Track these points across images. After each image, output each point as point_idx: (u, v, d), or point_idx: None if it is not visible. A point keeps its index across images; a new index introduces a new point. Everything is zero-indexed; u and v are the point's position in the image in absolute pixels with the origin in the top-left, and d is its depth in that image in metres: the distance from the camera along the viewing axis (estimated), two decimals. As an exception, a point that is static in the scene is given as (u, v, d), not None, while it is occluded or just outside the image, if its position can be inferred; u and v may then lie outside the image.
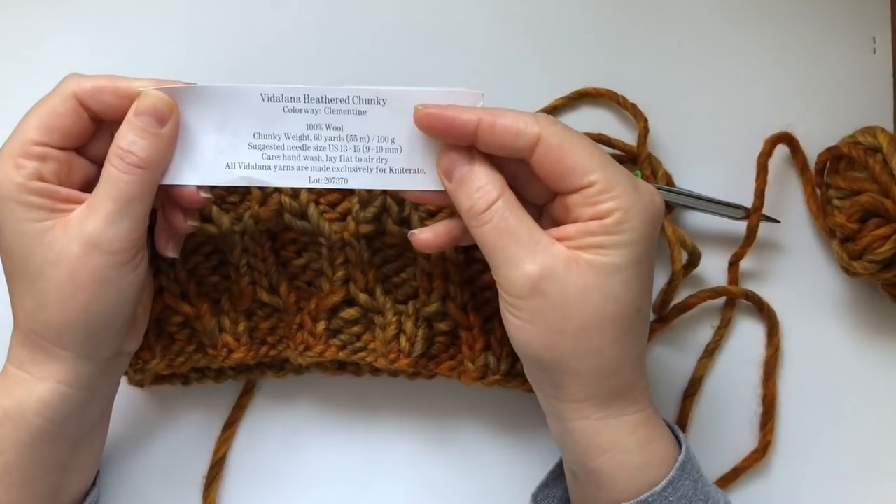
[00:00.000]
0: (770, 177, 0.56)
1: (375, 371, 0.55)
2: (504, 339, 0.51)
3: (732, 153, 0.57)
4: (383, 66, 0.58)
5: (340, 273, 0.51)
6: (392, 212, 0.51)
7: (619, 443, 0.43)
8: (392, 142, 0.45)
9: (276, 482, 0.56)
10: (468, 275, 0.52)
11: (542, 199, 0.45)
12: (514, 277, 0.42)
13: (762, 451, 0.55)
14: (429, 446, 0.56)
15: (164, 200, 0.47)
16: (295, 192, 0.50)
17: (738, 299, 0.56)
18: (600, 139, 0.56)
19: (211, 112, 0.44)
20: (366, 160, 0.45)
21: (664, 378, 0.56)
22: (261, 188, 0.50)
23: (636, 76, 0.58)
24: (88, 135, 0.44)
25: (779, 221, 0.56)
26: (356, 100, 0.44)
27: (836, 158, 0.54)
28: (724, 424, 0.56)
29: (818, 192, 0.57)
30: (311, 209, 0.50)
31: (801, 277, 0.57)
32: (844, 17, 0.58)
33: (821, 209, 0.56)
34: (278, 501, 0.56)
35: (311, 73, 0.58)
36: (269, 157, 0.45)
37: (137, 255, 0.44)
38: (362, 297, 0.52)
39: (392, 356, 0.51)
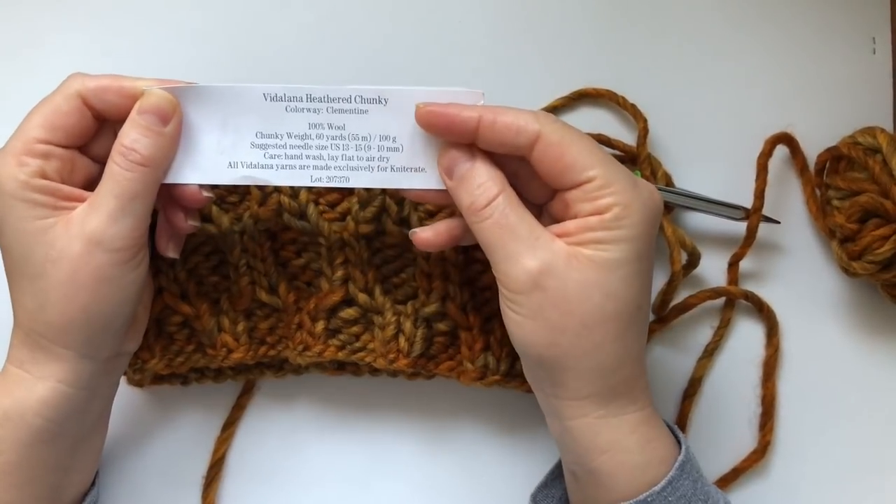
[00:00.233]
0: (770, 177, 0.56)
1: (375, 371, 0.55)
2: (503, 340, 0.51)
3: (732, 153, 0.57)
4: (384, 66, 0.58)
5: (340, 273, 0.51)
6: (391, 212, 0.51)
7: (620, 442, 0.43)
8: (393, 141, 0.45)
9: (276, 482, 0.56)
10: (468, 275, 0.52)
11: (542, 198, 0.46)
12: (514, 273, 0.42)
13: (762, 451, 0.55)
14: (428, 446, 0.56)
15: (165, 200, 0.47)
16: (294, 192, 0.50)
17: (738, 300, 0.56)
18: (600, 139, 0.56)
19: (213, 111, 0.44)
20: (367, 159, 0.45)
21: (664, 378, 0.56)
22: (260, 188, 0.50)
23: (636, 76, 0.58)
24: (91, 133, 0.44)
25: (778, 222, 0.56)
26: (358, 99, 0.44)
27: (835, 159, 0.54)
28: (724, 425, 0.56)
29: (818, 192, 0.57)
30: (311, 209, 0.50)
31: (801, 278, 0.57)
32: (844, 17, 0.58)
33: (820, 209, 0.56)
34: (277, 501, 0.56)
35: (312, 73, 0.58)
36: (272, 157, 0.45)
37: (139, 254, 0.44)
38: (361, 297, 0.52)
39: (391, 356, 0.51)
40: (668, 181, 0.56)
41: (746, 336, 0.57)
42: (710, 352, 0.56)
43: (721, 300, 0.57)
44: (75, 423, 0.45)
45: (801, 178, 0.57)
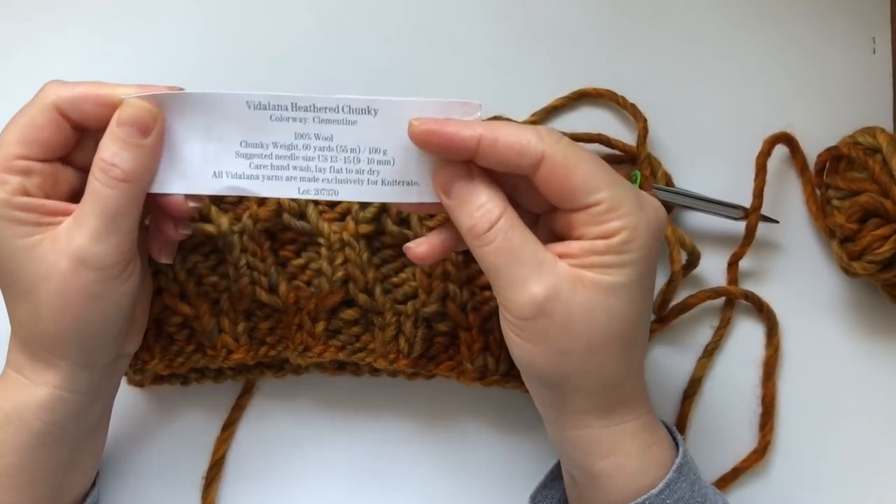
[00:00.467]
0: (769, 177, 0.56)
1: (375, 371, 0.55)
2: (503, 340, 0.51)
3: (732, 153, 0.57)
4: (383, 67, 0.58)
5: (339, 273, 0.51)
6: (391, 212, 0.51)
7: (621, 448, 0.43)
8: (384, 153, 0.43)
9: (276, 482, 0.56)
10: (467, 275, 0.52)
11: (541, 209, 0.45)
12: (519, 300, 0.41)
13: (761, 451, 0.55)
14: (428, 446, 0.56)
15: (154, 209, 0.46)
16: (294, 193, 0.50)
17: (738, 299, 0.56)
18: (600, 139, 0.56)
19: (197, 120, 0.43)
20: (357, 172, 0.43)
21: (664, 378, 0.56)
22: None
23: (636, 76, 0.57)
24: (71, 144, 0.43)
25: (778, 222, 0.56)
26: (346, 109, 0.42)
27: (835, 159, 0.54)
28: (724, 425, 0.56)
29: (818, 192, 0.57)
30: (310, 209, 0.50)
31: (801, 277, 0.57)
32: (844, 17, 0.58)
33: (820, 209, 0.56)
34: (277, 501, 0.56)
35: (310, 75, 0.58)
36: (257, 167, 0.43)
37: (128, 268, 0.43)
38: (361, 298, 0.52)
39: (391, 356, 0.51)
40: (668, 181, 0.56)
41: (746, 336, 0.57)
42: (710, 352, 0.56)
43: (721, 300, 0.56)
44: (76, 426, 0.45)
45: (801, 178, 0.57)
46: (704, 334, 0.57)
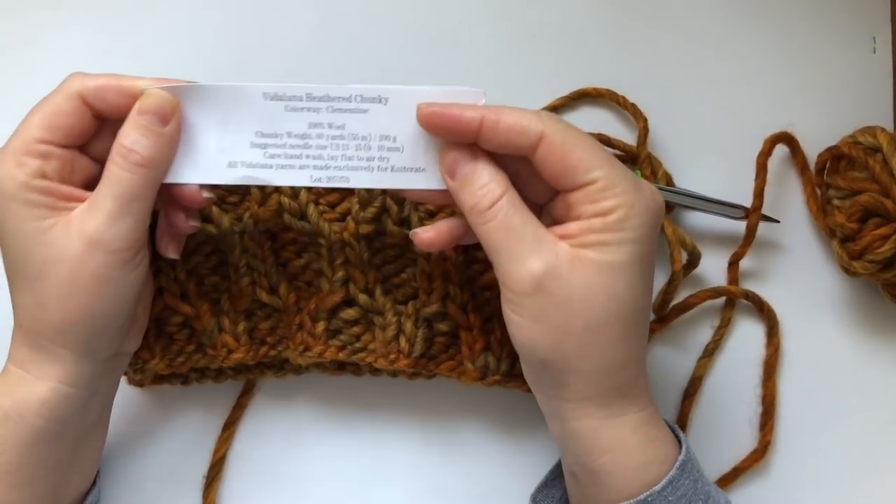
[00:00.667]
0: (770, 177, 0.56)
1: (375, 371, 0.55)
2: (504, 340, 0.51)
3: (732, 153, 0.57)
4: (384, 66, 0.58)
5: (340, 273, 0.51)
6: (392, 212, 0.51)
7: (622, 442, 0.43)
8: (394, 141, 0.44)
9: (276, 482, 0.56)
10: (468, 275, 0.52)
11: (543, 198, 0.45)
12: (517, 275, 0.42)
13: (762, 451, 0.55)
14: (428, 446, 0.56)
15: (165, 200, 0.47)
16: (294, 193, 0.50)
17: (738, 299, 0.56)
18: (600, 139, 0.56)
19: (213, 111, 0.44)
20: (367, 159, 0.45)
21: (664, 378, 0.56)
22: (260, 188, 0.50)
23: (636, 76, 0.58)
24: (91, 133, 0.44)
25: (778, 221, 0.56)
26: (358, 98, 0.44)
27: (835, 158, 0.54)
28: (724, 424, 0.56)
29: (818, 191, 0.57)
30: (311, 209, 0.50)
31: (801, 277, 0.57)
32: (844, 17, 0.58)
33: (821, 209, 0.56)
34: (278, 501, 0.56)
35: (312, 72, 0.58)
36: (271, 156, 0.45)
37: (138, 255, 0.44)
38: (362, 298, 0.52)
39: (392, 356, 0.51)
40: (668, 181, 0.56)
41: (746, 336, 0.57)
42: (711, 351, 0.56)
43: (721, 300, 0.57)
44: (76, 423, 0.45)
45: (802, 178, 0.57)
46: (705, 334, 0.57)
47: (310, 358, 0.52)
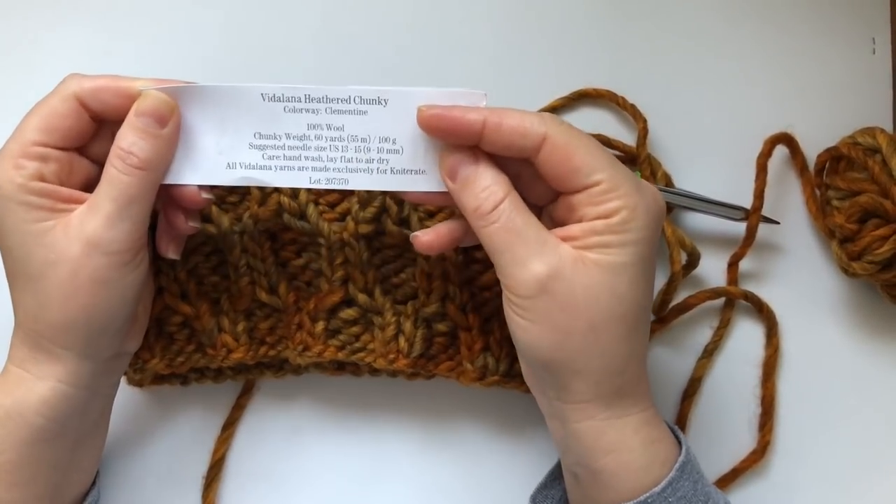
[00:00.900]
0: (769, 177, 0.56)
1: (374, 371, 0.55)
2: (503, 340, 0.51)
3: (732, 153, 0.57)
4: (384, 66, 0.58)
5: (339, 273, 0.51)
6: (391, 212, 0.51)
7: (624, 443, 0.43)
8: (393, 142, 0.44)
9: (276, 482, 0.56)
10: (467, 275, 0.52)
11: (544, 200, 0.45)
12: (521, 277, 0.42)
13: (761, 451, 0.55)
14: (428, 446, 0.56)
15: (165, 201, 0.47)
16: (294, 193, 0.50)
17: (738, 300, 0.56)
18: (600, 140, 0.56)
19: (212, 112, 0.44)
20: (367, 161, 0.45)
21: (664, 378, 0.56)
22: (260, 188, 0.50)
23: (636, 76, 0.58)
24: (89, 135, 0.44)
25: (778, 223, 0.56)
26: (357, 100, 0.44)
27: (835, 159, 0.54)
28: (723, 425, 0.56)
29: (817, 192, 0.57)
30: (311, 209, 0.50)
31: (801, 278, 0.57)
32: (844, 18, 0.58)
33: (820, 210, 0.56)
34: (277, 501, 0.56)
35: (312, 73, 0.58)
36: (270, 157, 0.45)
37: (138, 256, 0.44)
38: (361, 298, 0.52)
39: (391, 356, 0.51)
40: (668, 181, 0.56)
41: (746, 336, 0.57)
42: (710, 352, 0.56)
43: (721, 300, 0.57)
44: (76, 423, 0.45)
45: (801, 179, 0.57)
46: (704, 334, 0.57)
47: (309, 358, 0.52)
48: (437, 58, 0.58)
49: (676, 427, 0.47)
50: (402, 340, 0.51)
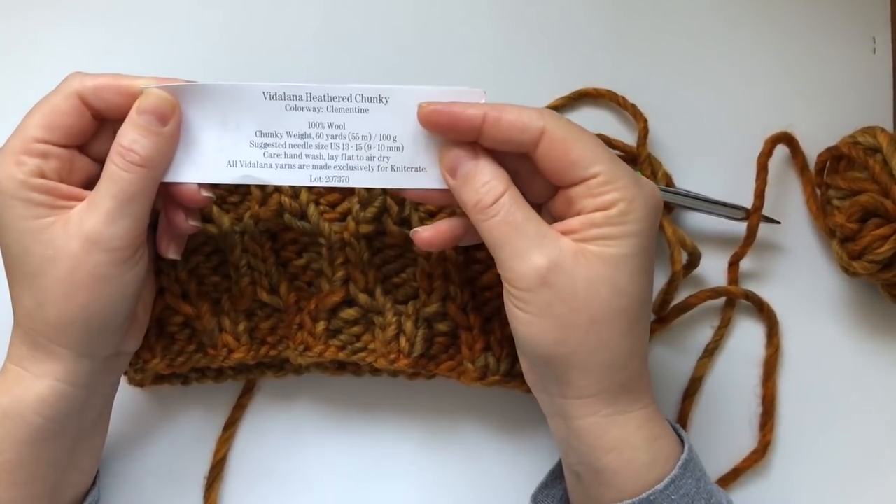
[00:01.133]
0: (770, 177, 0.56)
1: (375, 371, 0.55)
2: (504, 340, 0.51)
3: (732, 153, 0.57)
4: (384, 66, 0.58)
5: (340, 273, 0.51)
6: (392, 212, 0.51)
7: (627, 440, 0.43)
8: (394, 140, 0.45)
9: (277, 482, 0.56)
10: (468, 275, 0.52)
11: (542, 197, 0.45)
12: (522, 270, 0.42)
13: (762, 451, 0.55)
14: (429, 446, 0.56)
15: (165, 200, 0.47)
16: (295, 192, 0.50)
17: (738, 299, 0.56)
18: (601, 139, 0.56)
19: (213, 110, 0.44)
20: (367, 158, 0.45)
21: (664, 378, 0.56)
22: (261, 188, 0.50)
23: (636, 76, 0.58)
24: (91, 133, 0.44)
25: (779, 222, 0.56)
26: (358, 98, 0.44)
27: (835, 158, 0.55)
28: (724, 424, 0.56)
29: (818, 192, 0.57)
30: (311, 209, 0.50)
31: (801, 277, 0.57)
32: (844, 17, 0.58)
33: (821, 209, 0.56)
34: (278, 501, 0.56)
35: (312, 73, 0.58)
36: (271, 156, 0.45)
37: (137, 253, 0.44)
38: (362, 298, 0.52)
39: (392, 356, 0.51)
40: (668, 181, 0.56)
41: (746, 336, 0.57)
42: (711, 352, 0.56)
43: (721, 300, 0.57)
44: (74, 422, 0.45)
45: (802, 178, 0.57)
46: (705, 334, 0.57)
47: (310, 358, 0.52)
48: (437, 57, 0.58)
49: (678, 425, 0.47)
50: (402, 340, 0.51)
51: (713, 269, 0.57)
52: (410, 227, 0.51)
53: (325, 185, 0.45)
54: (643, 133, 0.56)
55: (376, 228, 0.51)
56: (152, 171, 0.43)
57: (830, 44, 0.58)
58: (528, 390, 0.48)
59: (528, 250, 0.42)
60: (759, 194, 0.55)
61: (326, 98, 0.44)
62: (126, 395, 0.55)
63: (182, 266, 0.51)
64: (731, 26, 0.58)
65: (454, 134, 0.43)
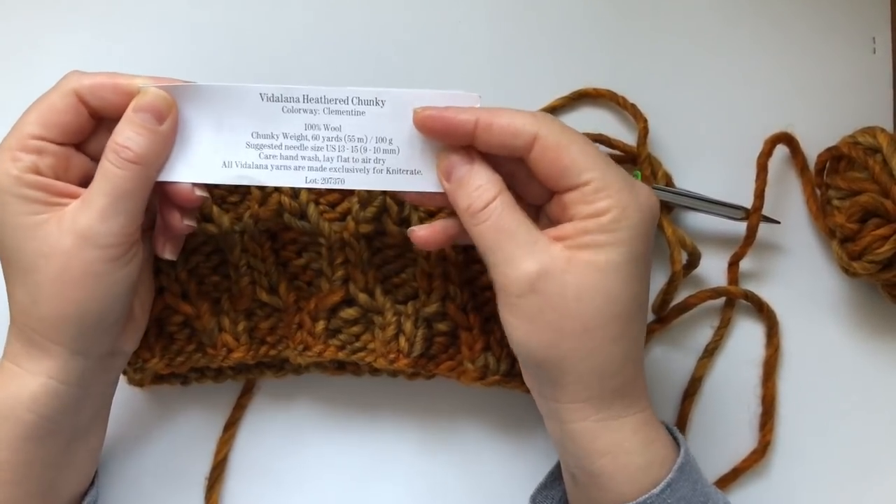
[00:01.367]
0: (770, 177, 0.56)
1: (375, 371, 0.55)
2: (503, 340, 0.51)
3: (732, 153, 0.57)
4: (383, 67, 0.58)
5: (340, 273, 0.51)
6: (392, 212, 0.51)
7: (622, 444, 0.43)
8: (390, 143, 0.45)
9: (276, 481, 0.56)
10: (468, 275, 0.52)
11: (540, 200, 0.45)
12: (512, 276, 0.42)
13: (761, 451, 0.55)
14: (428, 446, 0.56)
15: (161, 200, 0.47)
16: (295, 192, 0.50)
17: (738, 300, 0.56)
18: (600, 139, 0.56)
19: (209, 110, 0.44)
20: (363, 161, 0.45)
21: (664, 378, 0.56)
22: (261, 188, 0.50)
23: (636, 76, 0.58)
24: (88, 131, 0.44)
25: (779, 222, 0.56)
26: (355, 100, 0.44)
27: (835, 159, 0.54)
28: (724, 425, 0.56)
29: (818, 192, 0.57)
30: (311, 209, 0.50)
31: (801, 277, 0.57)
32: (844, 17, 0.58)
33: (820, 209, 0.56)
34: (278, 500, 0.56)
35: (310, 74, 0.58)
36: (267, 157, 0.45)
37: (130, 251, 0.44)
38: (362, 297, 0.52)
39: (391, 356, 0.51)
40: (668, 181, 0.56)
41: (746, 336, 0.57)
42: (710, 352, 0.56)
43: (721, 300, 0.56)
44: (69, 420, 0.45)
45: (801, 178, 0.57)
46: (704, 334, 0.57)
47: (309, 357, 0.52)
48: (436, 58, 0.58)
49: (675, 428, 0.47)
50: (402, 340, 0.51)
51: (713, 269, 0.56)
52: (410, 227, 0.51)
53: (320, 187, 0.45)
54: (643, 133, 0.56)
55: (376, 228, 0.51)
56: (146, 169, 0.43)
57: (830, 44, 0.58)
58: (528, 390, 0.48)
59: (518, 256, 0.42)
60: (759, 194, 0.55)
61: (323, 100, 0.44)
62: (125, 395, 0.55)
63: (182, 266, 0.51)
64: (731, 26, 0.58)
65: (448, 138, 0.43)
